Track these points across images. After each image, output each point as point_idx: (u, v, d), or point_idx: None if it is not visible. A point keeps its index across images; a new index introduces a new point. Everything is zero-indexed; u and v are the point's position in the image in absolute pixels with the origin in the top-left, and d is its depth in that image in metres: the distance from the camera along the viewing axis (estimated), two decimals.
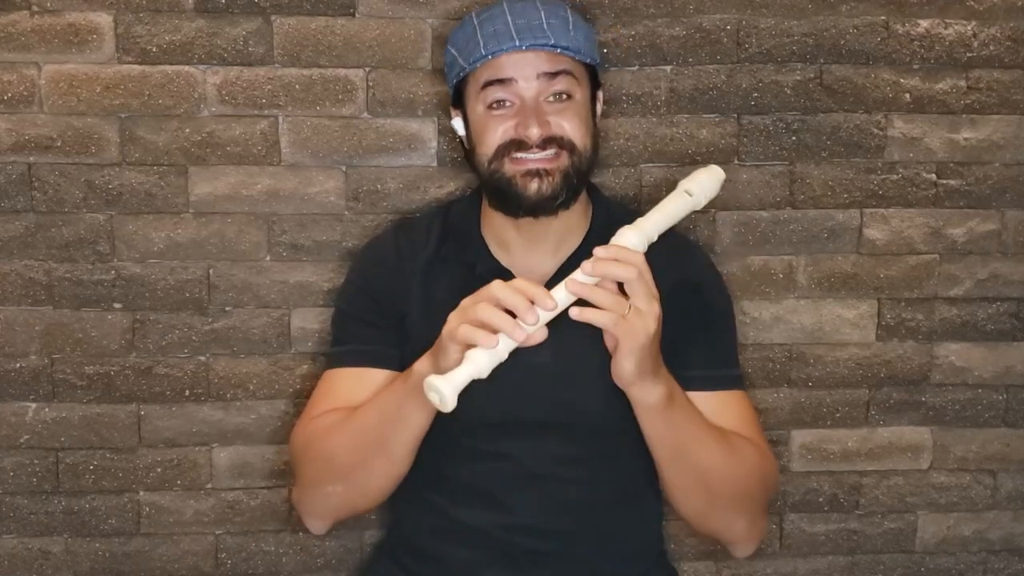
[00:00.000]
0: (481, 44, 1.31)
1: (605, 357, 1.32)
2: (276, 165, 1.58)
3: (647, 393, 1.21)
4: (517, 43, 1.28)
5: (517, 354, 1.33)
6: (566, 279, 1.15)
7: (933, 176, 1.66)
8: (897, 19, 1.61)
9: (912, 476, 1.73)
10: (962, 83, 1.63)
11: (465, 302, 1.16)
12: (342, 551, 1.68)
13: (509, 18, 1.32)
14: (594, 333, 1.34)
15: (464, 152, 1.43)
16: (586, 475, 1.36)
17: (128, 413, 1.62)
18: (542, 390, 1.34)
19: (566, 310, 1.15)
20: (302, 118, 1.57)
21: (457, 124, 1.41)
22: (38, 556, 1.65)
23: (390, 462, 1.31)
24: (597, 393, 1.33)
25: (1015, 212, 1.67)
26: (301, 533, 1.67)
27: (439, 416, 1.32)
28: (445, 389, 1.10)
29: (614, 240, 1.18)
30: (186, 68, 1.54)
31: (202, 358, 1.62)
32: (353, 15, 1.55)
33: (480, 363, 1.12)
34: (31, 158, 1.55)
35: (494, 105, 1.32)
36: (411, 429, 1.27)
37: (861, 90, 1.62)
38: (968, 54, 1.62)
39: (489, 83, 1.31)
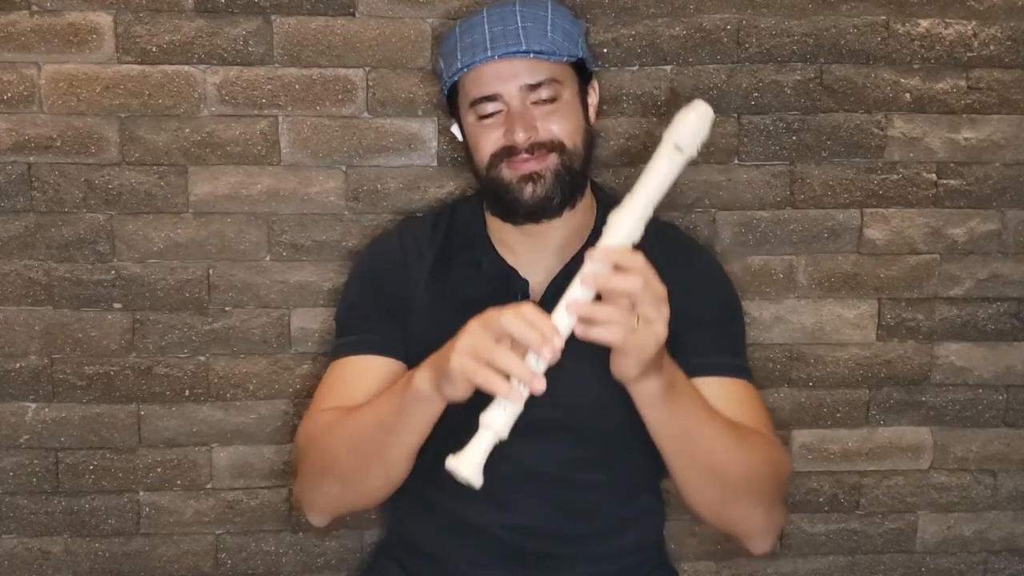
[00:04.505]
0: (459, 57, 1.33)
1: (605, 355, 1.32)
2: (276, 165, 1.58)
3: (647, 386, 1.16)
4: (489, 53, 1.30)
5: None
6: (566, 299, 1.08)
7: (933, 176, 1.66)
8: (897, 19, 1.61)
9: (912, 476, 1.73)
10: (962, 83, 1.63)
11: (474, 328, 1.10)
12: (342, 551, 1.68)
13: (486, 27, 1.33)
14: None
15: (468, 157, 1.44)
16: (587, 474, 1.36)
17: (128, 413, 1.62)
18: (546, 391, 1.34)
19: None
20: (302, 118, 1.57)
21: (456, 131, 1.44)
22: (38, 556, 1.65)
23: (387, 469, 1.29)
24: (598, 393, 1.33)
25: (1015, 212, 1.67)
26: (301, 533, 1.67)
27: (442, 413, 1.32)
28: (469, 473, 1.06)
29: (606, 232, 1.10)
30: (186, 68, 1.55)
31: (202, 358, 1.62)
32: (353, 15, 1.55)
33: (499, 427, 1.07)
34: (31, 158, 1.55)
35: (484, 115, 1.34)
36: (408, 439, 1.24)
37: (861, 90, 1.62)
38: (968, 54, 1.62)
39: (477, 100, 1.33)
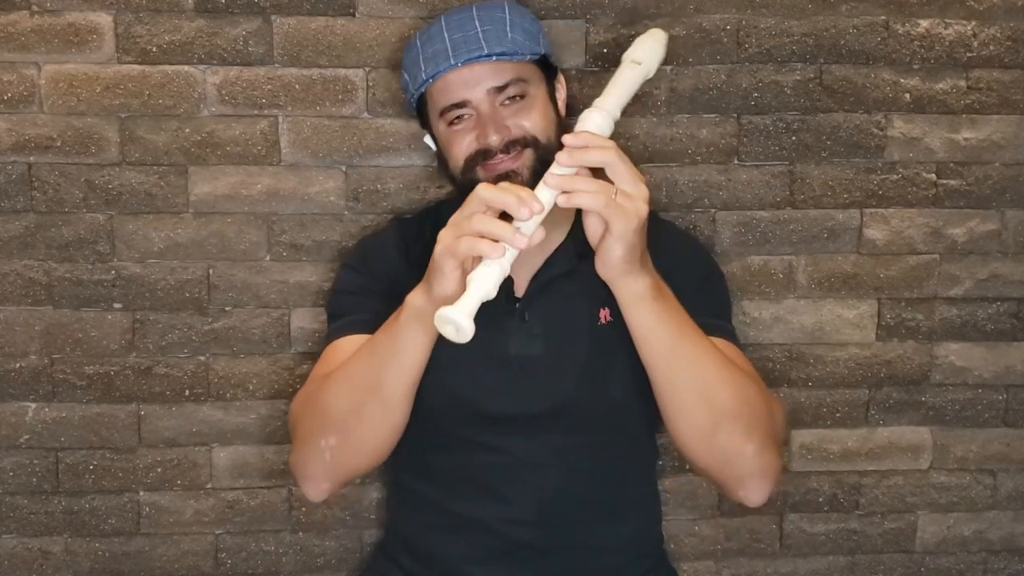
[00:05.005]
0: (423, 67, 1.34)
1: (598, 347, 1.31)
2: (276, 165, 1.58)
3: (634, 282, 1.15)
4: (452, 61, 1.31)
5: (509, 349, 1.33)
6: (545, 175, 1.11)
7: (933, 176, 1.66)
8: (897, 19, 1.61)
9: (912, 476, 1.74)
10: (962, 83, 1.63)
11: (454, 217, 1.11)
12: (342, 551, 1.68)
13: (446, 35, 1.34)
14: (587, 323, 1.34)
15: (441, 165, 1.43)
16: (583, 466, 1.36)
17: (128, 413, 1.62)
18: (536, 383, 1.34)
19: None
20: (302, 118, 1.57)
21: (429, 141, 1.44)
22: (38, 556, 1.65)
23: (385, 408, 1.25)
24: (592, 384, 1.33)
25: (1015, 212, 1.68)
26: (301, 533, 1.67)
27: (435, 409, 1.32)
28: (459, 318, 1.03)
29: (579, 126, 1.15)
30: (186, 68, 1.55)
31: (202, 358, 1.62)
32: (353, 15, 1.55)
33: (487, 283, 1.06)
34: (31, 158, 1.55)
35: (454, 121, 1.34)
36: (405, 367, 1.22)
37: (861, 90, 1.62)
38: (968, 54, 1.62)
39: (446, 109, 1.34)
